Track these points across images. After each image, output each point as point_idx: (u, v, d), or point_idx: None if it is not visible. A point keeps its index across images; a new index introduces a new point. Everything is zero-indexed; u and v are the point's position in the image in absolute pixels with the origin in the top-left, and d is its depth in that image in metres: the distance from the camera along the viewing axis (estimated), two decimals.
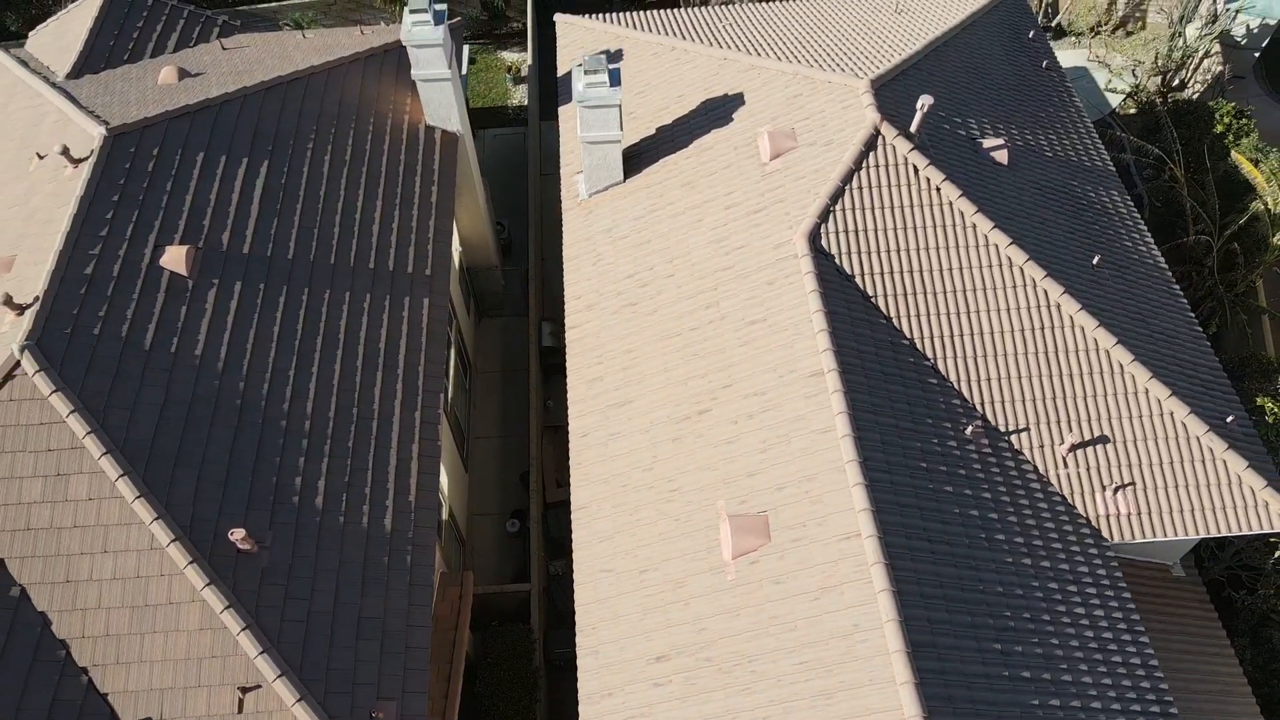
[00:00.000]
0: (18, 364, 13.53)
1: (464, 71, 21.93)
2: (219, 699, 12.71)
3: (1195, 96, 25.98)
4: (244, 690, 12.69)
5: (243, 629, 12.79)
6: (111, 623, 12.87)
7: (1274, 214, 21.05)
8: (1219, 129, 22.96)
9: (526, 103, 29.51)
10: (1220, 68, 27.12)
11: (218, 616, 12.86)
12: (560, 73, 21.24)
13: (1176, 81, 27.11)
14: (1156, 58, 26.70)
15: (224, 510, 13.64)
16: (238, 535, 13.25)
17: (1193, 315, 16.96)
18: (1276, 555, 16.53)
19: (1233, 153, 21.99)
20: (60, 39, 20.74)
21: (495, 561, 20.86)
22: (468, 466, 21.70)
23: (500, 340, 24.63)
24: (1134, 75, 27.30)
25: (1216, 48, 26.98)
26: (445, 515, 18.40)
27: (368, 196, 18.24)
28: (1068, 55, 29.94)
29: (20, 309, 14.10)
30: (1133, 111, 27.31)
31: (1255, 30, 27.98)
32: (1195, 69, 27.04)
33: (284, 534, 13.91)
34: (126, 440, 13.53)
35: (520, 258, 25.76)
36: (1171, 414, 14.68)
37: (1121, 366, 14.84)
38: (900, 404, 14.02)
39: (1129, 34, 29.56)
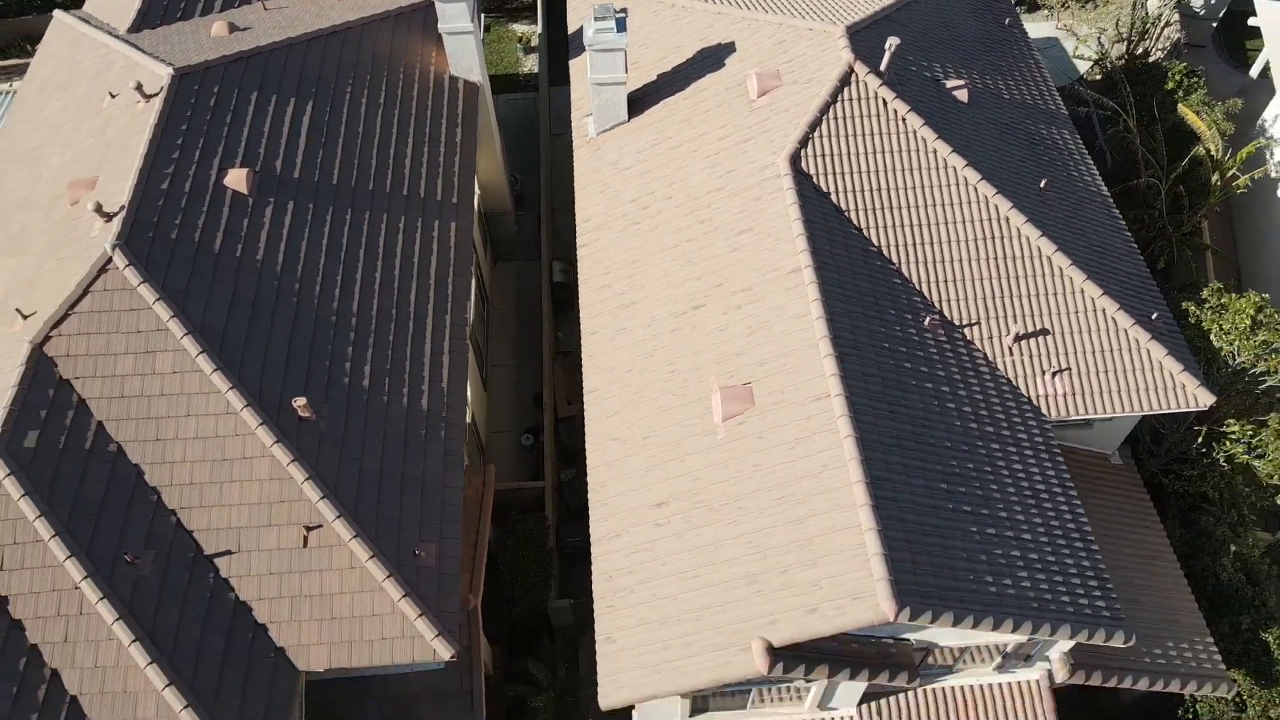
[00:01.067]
0: (110, 260, 15.79)
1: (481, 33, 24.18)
2: (287, 536, 14.98)
3: (1156, 62, 28.22)
4: (308, 528, 14.97)
5: (306, 478, 15.06)
6: (194, 474, 15.14)
7: (1215, 159, 23.28)
8: (1170, 86, 25.19)
9: (537, 70, 31.74)
10: (1179, 35, 29.39)
11: (285, 468, 15.13)
12: (571, 30, 23.49)
13: (1140, 50, 29.34)
14: (1119, 26, 28.94)
15: (285, 386, 15.91)
16: (299, 403, 15.52)
17: (1129, 233, 19.21)
18: (1199, 441, 18.74)
19: (1180, 106, 24.21)
20: (116, 1, 22.98)
21: (512, 471, 23.10)
22: (486, 388, 23.95)
23: (514, 281, 26.89)
24: (1100, 43, 29.53)
25: (1175, 17, 29.23)
26: (468, 421, 20.65)
27: (400, 135, 20.50)
28: (1040, 26, 32.23)
29: (108, 216, 16.34)
30: (1098, 77, 29.55)
31: (1213, 1, 30.23)
32: (1156, 38, 29.29)
33: (336, 408, 16.18)
34: (202, 326, 15.79)
35: (532, 207, 28.02)
36: (1103, 310, 16.93)
37: (1060, 270, 17.09)
38: (867, 297, 16.28)
39: (1096, 6, 31.80)
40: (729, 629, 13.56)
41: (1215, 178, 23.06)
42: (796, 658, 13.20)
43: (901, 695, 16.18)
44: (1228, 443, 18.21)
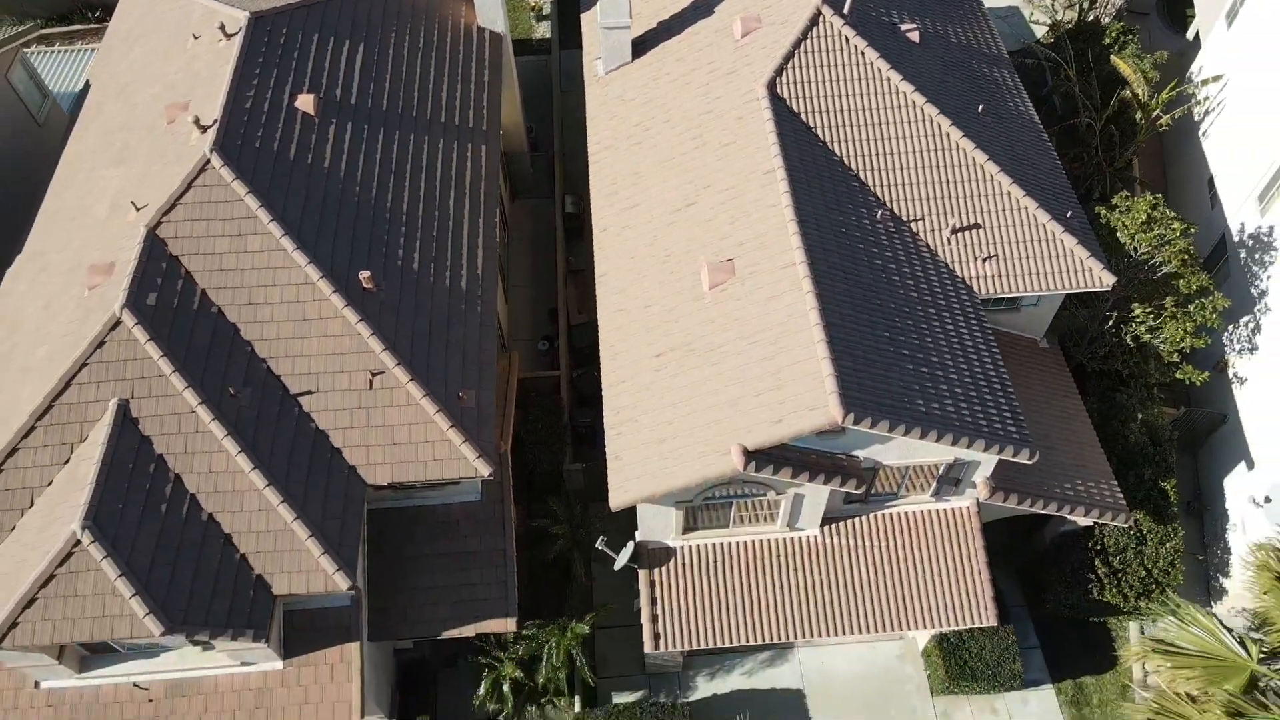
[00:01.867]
0: (208, 161, 19.27)
1: None
2: (356, 380, 18.48)
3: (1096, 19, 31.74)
4: (373, 374, 18.48)
5: (371, 334, 18.56)
6: (280, 330, 18.63)
7: (1142, 102, 26.78)
8: (1107, 41, 28.70)
9: (549, 35, 35.26)
10: (1123, 1, 32.96)
11: (353, 327, 18.60)
12: None
13: (1091, 18, 32.83)
14: None
15: (352, 263, 19.42)
16: (364, 276, 19.05)
17: (1054, 152, 22.71)
18: (1110, 324, 22.22)
19: (1113, 58, 27.71)
20: None
21: (531, 370, 26.59)
22: (508, 302, 27.45)
23: (530, 216, 30.40)
24: (1053, 9, 33.01)
25: None
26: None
27: (436, 73, 24.01)
28: None
29: (204, 128, 19.84)
30: (1052, 41, 33.06)
31: None
32: (1105, 5, 32.84)
33: (393, 284, 19.70)
34: (283, 216, 19.26)
35: (545, 153, 31.54)
36: (1026, 208, 20.43)
37: (991, 176, 20.59)
38: (828, 195, 19.80)
39: None
40: (713, 440, 17.08)
41: (1140, 116, 26.55)
42: (766, 459, 16.71)
43: (855, 518, 19.71)
44: (1133, 324, 21.70)
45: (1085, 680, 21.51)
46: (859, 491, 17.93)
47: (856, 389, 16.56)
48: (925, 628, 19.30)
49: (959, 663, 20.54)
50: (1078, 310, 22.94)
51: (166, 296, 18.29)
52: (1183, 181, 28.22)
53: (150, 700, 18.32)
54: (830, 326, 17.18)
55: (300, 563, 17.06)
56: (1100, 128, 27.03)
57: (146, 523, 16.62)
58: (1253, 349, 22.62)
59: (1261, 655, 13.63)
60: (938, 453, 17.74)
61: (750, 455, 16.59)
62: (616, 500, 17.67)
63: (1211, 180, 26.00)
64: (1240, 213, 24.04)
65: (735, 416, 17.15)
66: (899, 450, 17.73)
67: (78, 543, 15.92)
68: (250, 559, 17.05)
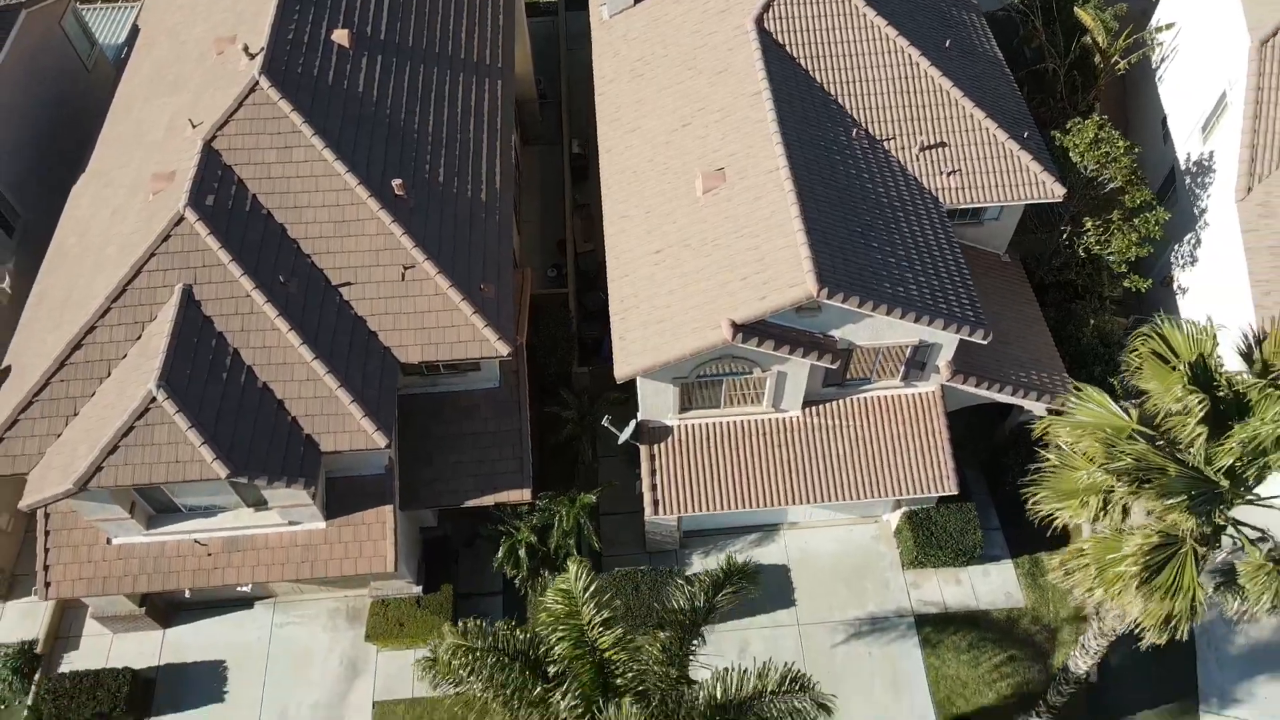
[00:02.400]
0: (257, 83, 21.64)
1: None
2: (390, 273, 20.86)
3: None
4: (405, 267, 20.87)
5: (403, 233, 20.94)
6: (323, 230, 21.01)
7: (1100, 49, 29.17)
8: None
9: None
10: None
11: (387, 227, 20.97)
12: None
13: None
14: None
15: (385, 174, 21.81)
16: (397, 183, 21.45)
17: (1015, 82, 25.12)
18: (1064, 237, 24.64)
19: (1076, 9, 30.09)
20: None
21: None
22: (520, 232, 29.83)
23: (539, 162, 32.81)
24: None
25: None
26: None
27: (456, 15, 26.35)
28: None
29: (252, 56, 22.23)
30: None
31: None
32: None
33: (420, 194, 22.10)
34: (324, 131, 21.64)
35: (552, 105, 33.97)
36: (987, 129, 22.82)
37: (956, 101, 22.96)
38: (809, 114, 22.20)
39: None
40: (705, 317, 19.48)
41: (1099, 61, 28.96)
42: (752, 332, 19.12)
43: (833, 401, 22.12)
44: (1085, 236, 24.11)
45: (1040, 555, 23.91)
46: (834, 366, 20.32)
47: (830, 269, 18.97)
48: (894, 495, 21.72)
49: (926, 534, 22.95)
50: (1037, 229, 25.36)
51: (222, 199, 20.69)
52: (1141, 124, 30.60)
53: (209, 554, 20.77)
54: (808, 219, 19.59)
55: (344, 424, 19.47)
56: (1064, 74, 29.42)
57: (210, 387, 19.04)
58: (1194, 262, 25.02)
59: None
60: (904, 333, 20.13)
61: (738, 328, 18.99)
62: (621, 371, 20.08)
63: (1165, 120, 28.40)
64: (1187, 144, 26.45)
65: (724, 297, 19.57)
66: (870, 331, 20.13)
67: (153, 399, 18.32)
68: (300, 421, 19.46)
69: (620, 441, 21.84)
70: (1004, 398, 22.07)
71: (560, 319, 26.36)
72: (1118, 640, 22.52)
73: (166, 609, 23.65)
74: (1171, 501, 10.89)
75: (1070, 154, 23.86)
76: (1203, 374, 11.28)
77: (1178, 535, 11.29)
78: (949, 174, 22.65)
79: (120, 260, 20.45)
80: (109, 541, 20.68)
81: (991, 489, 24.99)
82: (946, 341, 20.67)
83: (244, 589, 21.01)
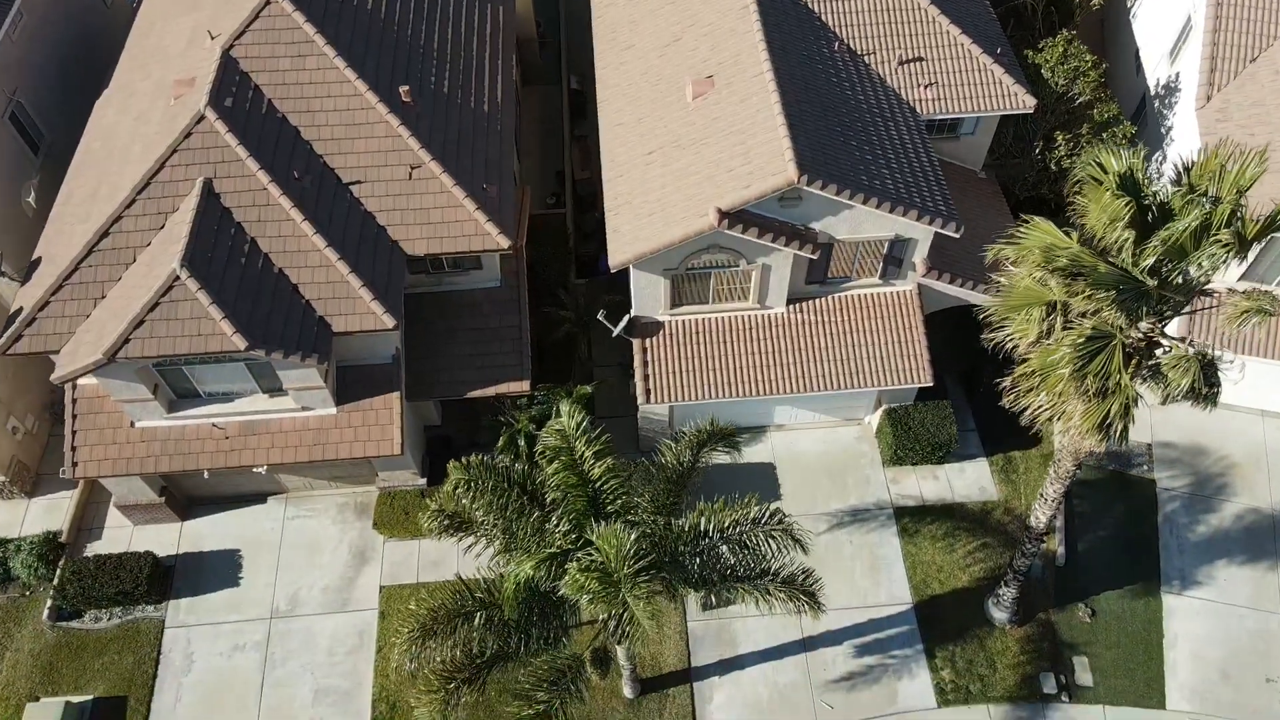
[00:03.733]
0: None
1: None
2: (398, 172, 22.15)
3: None
4: (413, 167, 22.15)
5: (410, 135, 22.22)
6: (334, 133, 22.27)
7: None
8: None
9: None
10: None
11: (395, 129, 22.26)
12: None
13: None
14: None
15: (394, 82, 23.07)
16: (404, 90, 22.72)
17: (988, 4, 26.35)
18: (1037, 152, 25.86)
19: None
20: None
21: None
22: (520, 162, 31.07)
23: (539, 100, 34.04)
24: None
25: None
26: None
27: None
28: None
29: None
30: None
31: None
32: None
33: (427, 102, 23.36)
34: (335, 41, 22.90)
35: (554, 42, 35.25)
36: (962, 44, 24.08)
37: (934, 19, 24.18)
38: (793, 27, 23.44)
39: None
40: (693, 207, 20.75)
41: None
42: (738, 219, 20.39)
43: (816, 299, 23.39)
44: (1056, 150, 25.36)
45: (1014, 454, 25.18)
46: (814, 257, 21.56)
47: (810, 160, 20.23)
48: (874, 386, 22.99)
49: (905, 429, 24.20)
50: (1014, 153, 26.61)
51: (240, 101, 21.95)
52: (1117, 60, 31.82)
53: (226, 438, 22.04)
54: (790, 116, 20.85)
55: (355, 307, 20.75)
56: (1041, 9, 30.66)
57: (230, 270, 20.32)
58: (1159, 177, 26.26)
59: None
60: (881, 225, 21.39)
61: (724, 215, 20.26)
62: (615, 260, 21.35)
63: (1137, 52, 29.65)
64: (1156, 70, 27.71)
65: (712, 189, 20.83)
66: (848, 224, 21.39)
67: (177, 278, 19.59)
68: (314, 304, 20.75)
69: (615, 334, 23.09)
70: (976, 296, 23.27)
71: (559, 237, 27.64)
72: (1084, 527, 23.84)
73: (184, 502, 24.91)
74: (1101, 295, 12.12)
75: (1042, 70, 25.12)
76: (1131, 187, 12.52)
77: (1108, 331, 12.52)
78: (926, 86, 23.91)
79: (144, 157, 21.71)
80: (132, 425, 21.95)
81: (969, 395, 26.22)
82: (921, 236, 21.92)
83: (259, 470, 22.22)
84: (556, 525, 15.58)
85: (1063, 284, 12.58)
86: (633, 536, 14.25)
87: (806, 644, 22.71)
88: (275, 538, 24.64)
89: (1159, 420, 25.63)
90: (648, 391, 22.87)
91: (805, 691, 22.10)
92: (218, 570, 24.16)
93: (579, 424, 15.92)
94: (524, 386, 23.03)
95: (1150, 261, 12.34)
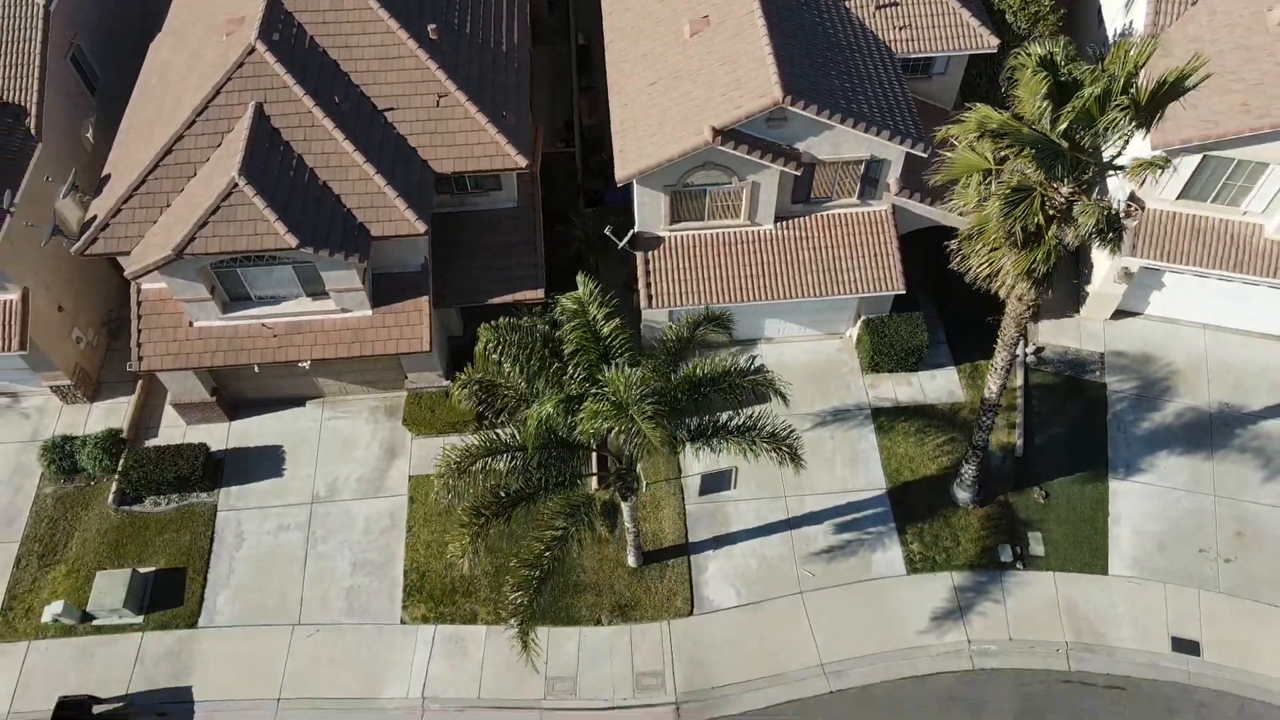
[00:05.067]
0: None
1: None
2: (426, 100, 24.80)
3: None
4: (440, 96, 24.83)
5: (438, 67, 24.88)
6: (370, 66, 24.88)
7: None
8: None
9: None
10: None
11: (424, 62, 24.90)
12: None
13: None
14: None
15: (422, 21, 25.72)
16: (432, 28, 25.40)
17: None
18: (1004, 90, 28.48)
19: None
20: None
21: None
22: (531, 109, 33.74)
23: (548, 57, 36.71)
24: None
25: None
26: None
27: None
28: None
29: None
30: None
31: None
32: None
33: (450, 40, 26.02)
34: None
35: (562, 5, 37.93)
36: None
37: None
38: None
39: None
40: (690, 127, 23.44)
41: None
42: (730, 136, 23.08)
43: (801, 217, 26.08)
44: None
45: (980, 363, 27.85)
46: (798, 173, 24.22)
47: (794, 84, 22.92)
48: (852, 293, 25.72)
49: (881, 337, 26.89)
50: (987, 98, 29.25)
51: (285, 36, 24.61)
52: (1081, 19, 34.51)
53: (274, 336, 24.75)
54: (777, 47, 23.53)
55: (390, 215, 23.44)
56: None
57: (280, 180, 23.01)
58: None
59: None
60: (858, 146, 24.07)
61: (717, 132, 22.95)
62: (621, 174, 24.04)
63: (1100, 9, 32.30)
64: (1114, 22, 30.36)
65: (706, 111, 23.52)
66: (829, 145, 24.08)
67: (235, 185, 22.27)
68: (354, 212, 23.43)
69: (620, 247, 25.77)
70: (944, 216, 25.92)
71: (569, 173, 30.38)
72: (1041, 424, 26.52)
73: (232, 404, 27.62)
74: (1023, 154, 14.76)
75: (1005, 15, 27.80)
76: (1051, 67, 15.15)
77: (1029, 185, 15.16)
78: (900, 28, 26.60)
79: (200, 87, 24.38)
80: (191, 324, 24.65)
81: (941, 313, 28.89)
82: (894, 157, 24.61)
83: (303, 365, 24.90)
84: (573, 374, 18.26)
85: (994, 148, 15.22)
86: (638, 374, 16.96)
87: (791, 523, 25.43)
88: (314, 435, 27.36)
89: (1111, 333, 28.36)
90: (649, 298, 25.58)
91: (790, 563, 24.82)
92: (263, 463, 26.88)
93: (592, 291, 18.60)
94: (538, 294, 25.71)
95: (1064, 126, 14.99)
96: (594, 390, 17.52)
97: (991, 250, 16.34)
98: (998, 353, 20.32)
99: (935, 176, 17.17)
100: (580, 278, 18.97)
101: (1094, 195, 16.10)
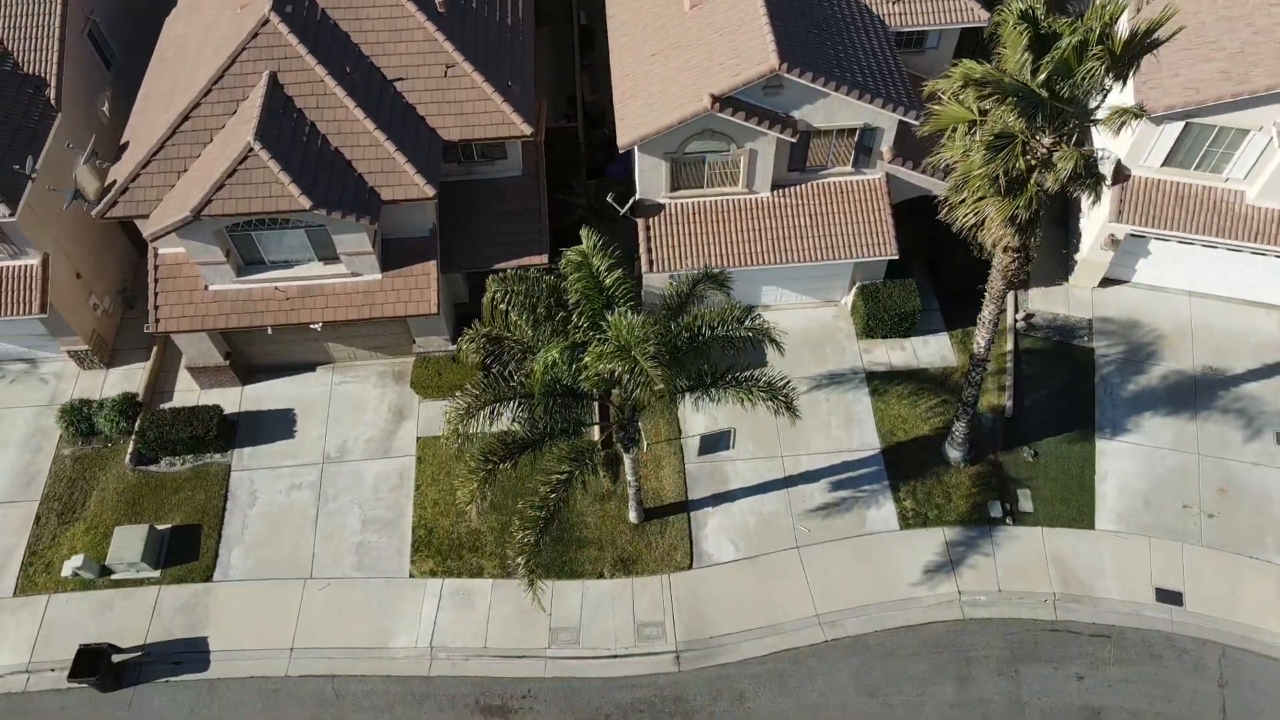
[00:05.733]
0: None
1: None
2: (434, 71, 25.59)
3: None
4: (448, 66, 25.63)
5: (445, 39, 25.70)
6: (379, 37, 25.68)
7: None
8: None
9: None
10: None
11: (432, 34, 25.72)
12: None
13: None
14: None
15: None
16: (439, 2, 26.20)
17: None
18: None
19: None
20: None
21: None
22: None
23: (550, 37, 37.51)
24: None
25: None
26: None
27: None
28: None
29: None
30: None
31: None
32: None
33: (457, 15, 26.82)
34: None
35: None
36: None
37: None
38: None
39: None
40: (689, 95, 24.24)
41: None
42: (728, 103, 23.88)
43: (797, 185, 26.89)
44: None
45: (971, 329, 28.48)
46: (794, 140, 25.01)
47: (790, 52, 23.73)
48: (847, 258, 26.53)
49: (875, 301, 27.69)
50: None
51: (298, 8, 25.40)
52: None
53: (287, 299, 25.55)
54: (774, 17, 24.33)
55: (400, 179, 24.25)
56: None
57: (294, 146, 23.81)
58: None
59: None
60: (852, 114, 24.87)
61: (716, 99, 23.75)
62: (623, 140, 24.85)
63: None
64: None
65: (705, 79, 24.33)
66: (824, 113, 24.88)
67: (251, 149, 23.08)
68: (365, 176, 24.24)
69: (621, 214, 26.56)
70: (936, 184, 26.73)
71: (572, 146, 31.19)
72: (1030, 387, 27.31)
73: (245, 369, 28.40)
74: (1006, 102, 15.55)
75: None
76: (1032, 21, 15.94)
77: (1012, 132, 15.96)
78: (894, 2, 27.40)
79: (215, 58, 25.19)
80: (206, 288, 25.46)
81: (933, 280, 29.69)
82: (887, 125, 25.41)
83: (315, 327, 25.70)
84: (577, 323, 19.05)
85: (978, 97, 16.00)
86: (640, 318, 17.76)
87: (788, 482, 26.22)
88: (324, 399, 28.17)
89: (1099, 300, 29.18)
90: (651, 262, 26.38)
91: (786, 519, 25.61)
92: (275, 425, 27.68)
93: (595, 244, 19.38)
94: (542, 259, 26.50)
95: (1044, 77, 15.79)
96: (598, 337, 18.30)
97: (977, 200, 17.14)
98: (985, 306, 21.12)
99: (924, 128, 17.95)
100: (584, 231, 19.74)
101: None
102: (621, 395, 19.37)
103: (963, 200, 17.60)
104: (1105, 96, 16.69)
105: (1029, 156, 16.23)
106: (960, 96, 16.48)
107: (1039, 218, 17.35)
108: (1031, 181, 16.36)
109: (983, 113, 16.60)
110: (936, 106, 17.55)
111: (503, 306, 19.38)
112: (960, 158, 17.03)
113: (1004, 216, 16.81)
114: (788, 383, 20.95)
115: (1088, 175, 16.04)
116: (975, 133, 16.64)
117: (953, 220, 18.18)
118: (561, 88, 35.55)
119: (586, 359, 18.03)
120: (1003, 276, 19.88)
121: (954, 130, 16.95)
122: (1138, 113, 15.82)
